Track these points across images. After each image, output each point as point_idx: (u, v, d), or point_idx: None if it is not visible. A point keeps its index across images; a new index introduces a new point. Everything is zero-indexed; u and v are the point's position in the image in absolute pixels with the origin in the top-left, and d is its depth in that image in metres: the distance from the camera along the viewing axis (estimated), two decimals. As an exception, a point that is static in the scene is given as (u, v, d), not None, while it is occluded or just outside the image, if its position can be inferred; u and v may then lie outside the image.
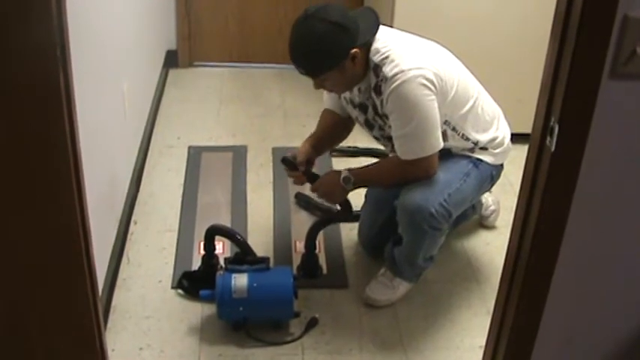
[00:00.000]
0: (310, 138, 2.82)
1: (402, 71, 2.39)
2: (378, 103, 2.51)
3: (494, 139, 2.68)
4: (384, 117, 2.53)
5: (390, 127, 2.54)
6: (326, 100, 2.83)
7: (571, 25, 1.48)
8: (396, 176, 2.60)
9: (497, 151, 2.70)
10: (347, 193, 2.69)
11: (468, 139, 2.62)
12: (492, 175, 2.73)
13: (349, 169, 2.65)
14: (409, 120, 2.42)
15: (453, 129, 2.57)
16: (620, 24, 1.43)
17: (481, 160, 2.66)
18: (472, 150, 2.66)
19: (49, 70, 1.52)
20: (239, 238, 2.74)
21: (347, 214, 2.81)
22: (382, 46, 2.45)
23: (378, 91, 2.47)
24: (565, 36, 1.50)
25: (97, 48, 2.62)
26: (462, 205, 2.66)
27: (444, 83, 2.47)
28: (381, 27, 2.51)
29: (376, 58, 2.44)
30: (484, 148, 2.67)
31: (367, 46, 2.45)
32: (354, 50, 2.40)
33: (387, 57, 2.43)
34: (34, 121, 1.57)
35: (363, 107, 2.62)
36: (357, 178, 2.65)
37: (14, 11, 1.44)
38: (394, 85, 2.40)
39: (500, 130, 2.72)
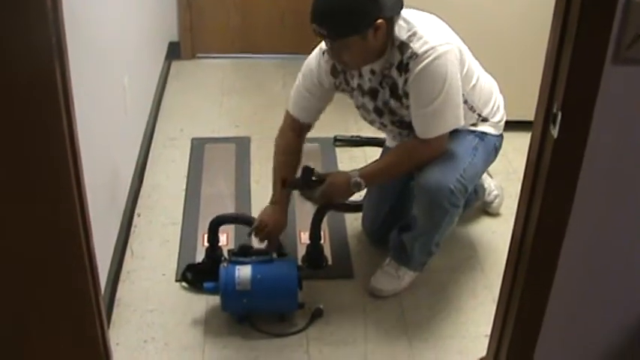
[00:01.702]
0: (278, 202, 2.72)
1: (433, 47, 2.38)
2: (400, 81, 2.47)
3: (492, 108, 2.70)
4: (404, 97, 2.50)
5: (407, 107, 2.51)
6: (297, 102, 2.72)
7: (573, 10, 1.46)
8: (407, 162, 2.58)
9: (496, 119, 2.71)
10: (354, 193, 2.64)
11: (474, 110, 2.63)
12: (496, 146, 2.74)
13: (359, 172, 2.59)
14: (437, 95, 2.41)
15: (465, 101, 2.57)
16: (623, 8, 1.41)
17: (485, 133, 2.67)
18: (475, 124, 2.67)
19: (44, 64, 1.50)
20: (244, 217, 2.77)
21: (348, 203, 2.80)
22: (405, 24, 2.43)
23: (404, 69, 2.43)
24: (567, 21, 1.49)
25: (97, 41, 2.61)
26: (474, 179, 2.66)
27: (463, 57, 2.49)
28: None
29: (402, 35, 2.41)
30: (485, 120, 2.68)
31: (391, 22, 2.40)
32: (380, 21, 2.34)
33: (414, 34, 2.41)
34: (31, 115, 1.56)
35: (373, 92, 2.59)
36: (368, 180, 2.60)
37: (7, 4, 1.42)
38: (426, 61, 2.38)
39: (498, 99, 2.75)
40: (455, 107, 2.46)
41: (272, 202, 2.74)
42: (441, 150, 2.52)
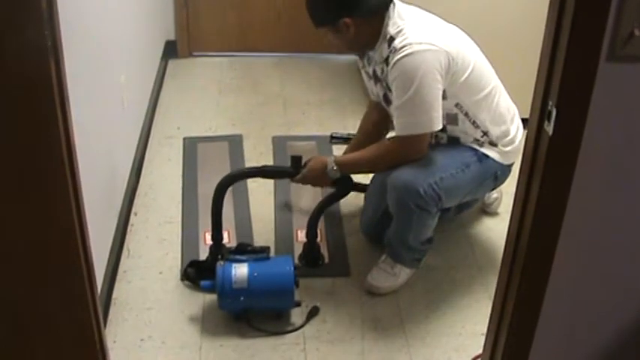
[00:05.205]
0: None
1: (410, 44, 2.43)
2: (384, 75, 2.56)
3: (505, 135, 2.66)
4: (388, 90, 2.58)
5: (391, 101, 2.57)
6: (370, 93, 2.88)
7: (568, 7, 1.46)
8: (382, 159, 2.63)
9: (507, 149, 2.67)
10: (333, 179, 2.72)
11: (478, 126, 2.61)
12: (497, 174, 2.70)
13: (337, 159, 2.69)
14: (406, 90, 2.44)
15: (465, 114, 2.57)
16: (618, 6, 1.41)
17: (487, 157, 2.64)
18: (481, 143, 2.64)
19: (39, 64, 1.49)
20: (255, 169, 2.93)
21: (344, 190, 2.83)
22: (399, 19, 2.50)
23: (386, 62, 2.51)
24: (562, 18, 1.49)
25: (94, 40, 2.61)
26: (456, 194, 2.64)
27: (454, 63, 2.48)
28: (402, 4, 2.55)
29: (392, 31, 2.49)
30: (493, 144, 2.65)
31: (374, 19, 2.50)
32: (345, 20, 2.48)
33: (400, 30, 2.48)
34: (26, 115, 1.55)
35: (378, 80, 2.66)
36: (344, 168, 2.69)
37: (2, 3, 1.42)
38: (400, 55, 2.44)
39: (513, 128, 2.70)
40: (428, 109, 2.45)
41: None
42: (417, 154, 2.54)
